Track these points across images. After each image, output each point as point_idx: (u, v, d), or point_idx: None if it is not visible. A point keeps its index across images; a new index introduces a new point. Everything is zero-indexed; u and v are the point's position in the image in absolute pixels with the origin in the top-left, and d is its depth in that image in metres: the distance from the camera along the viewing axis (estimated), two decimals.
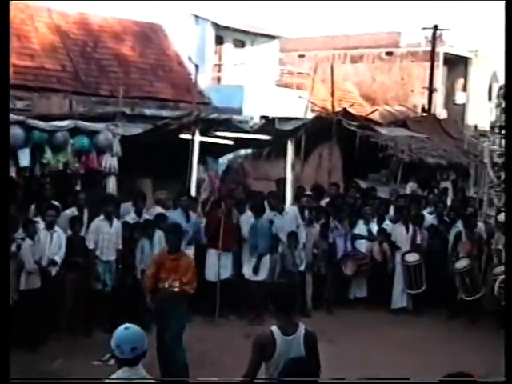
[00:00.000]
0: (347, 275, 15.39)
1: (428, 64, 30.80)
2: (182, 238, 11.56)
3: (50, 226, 12.54)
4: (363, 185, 18.59)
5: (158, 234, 13.64)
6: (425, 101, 30.43)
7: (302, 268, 14.78)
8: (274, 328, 6.60)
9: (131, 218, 13.84)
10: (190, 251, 14.03)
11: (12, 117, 13.13)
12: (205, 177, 17.39)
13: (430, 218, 16.17)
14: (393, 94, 32.31)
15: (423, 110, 29.71)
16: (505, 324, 5.64)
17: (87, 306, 12.85)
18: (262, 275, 14.37)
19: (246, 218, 14.79)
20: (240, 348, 11.04)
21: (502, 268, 14.14)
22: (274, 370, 6.57)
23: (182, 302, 10.40)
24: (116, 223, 13.18)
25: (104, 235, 13.01)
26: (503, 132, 16.07)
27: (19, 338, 11.83)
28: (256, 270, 14.39)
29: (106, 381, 5.48)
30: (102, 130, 14.19)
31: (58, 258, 12.49)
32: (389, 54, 33.88)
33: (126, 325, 5.53)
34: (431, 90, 30.31)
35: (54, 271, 12.51)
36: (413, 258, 15.32)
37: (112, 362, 11.74)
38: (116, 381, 5.41)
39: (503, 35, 6.42)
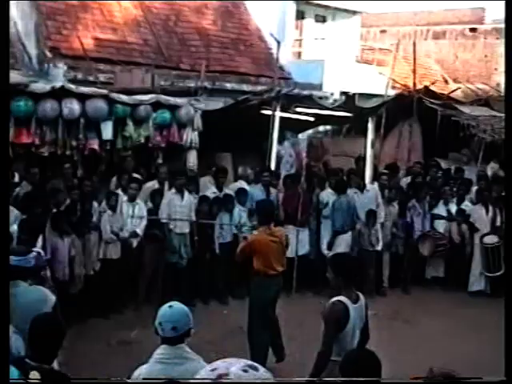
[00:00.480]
0: (424, 255, 15.28)
1: None
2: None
3: (131, 199, 12.77)
4: (443, 164, 18.36)
5: (238, 209, 13.76)
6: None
7: (378, 247, 14.74)
8: (343, 298, 6.77)
9: (211, 192, 13.96)
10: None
11: (95, 90, 13.35)
12: (286, 152, 17.43)
13: None
14: (476, 71, 31.72)
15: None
16: (505, 324, 5.54)
17: (164, 278, 13.07)
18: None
19: (326, 195, 14.80)
20: (315, 323, 11.11)
21: None
22: (351, 338, 6.74)
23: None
24: (187, 196, 13.31)
25: (176, 208, 13.15)
26: None
27: (98, 307, 12.14)
28: (330, 247, 14.41)
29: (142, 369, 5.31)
30: (184, 105, 14.30)
31: (139, 230, 12.74)
32: (472, 30, 33.24)
33: (171, 303, 5.46)
34: None
35: (135, 242, 12.76)
36: (492, 240, 15.10)
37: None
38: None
39: None
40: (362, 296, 7.03)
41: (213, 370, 2.36)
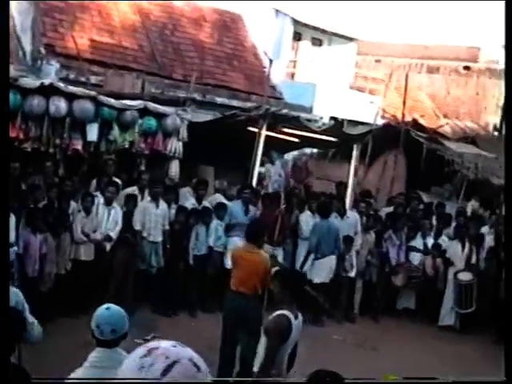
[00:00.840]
0: (397, 286, 15.31)
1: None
2: None
3: (108, 202, 12.75)
4: (425, 197, 18.44)
5: (216, 223, 13.76)
6: (498, 120, 30.05)
7: (352, 274, 14.76)
8: (286, 312, 6.89)
9: (190, 203, 13.96)
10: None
11: (84, 91, 13.35)
12: (276, 172, 17.47)
13: (488, 239, 15.97)
14: (466, 109, 31.90)
15: (495, 129, 29.32)
16: (505, 324, 5.57)
17: (134, 284, 13.05)
18: (322, 277, 14.40)
19: (306, 217, 14.84)
20: None
21: None
22: (285, 351, 6.89)
23: None
24: (163, 205, 13.29)
25: (151, 216, 13.14)
26: None
27: (68, 306, 12.10)
28: (302, 267, 14.45)
29: (84, 363, 5.24)
30: (171, 114, 14.32)
31: (113, 234, 12.71)
32: (466, 68, 33.44)
33: (108, 305, 5.35)
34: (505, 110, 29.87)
35: (108, 246, 12.74)
36: (466, 276, 15.14)
37: None
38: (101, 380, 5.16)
39: None
40: (300, 315, 7.11)
41: (144, 347, 2.37)
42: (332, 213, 14.81)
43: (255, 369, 7.00)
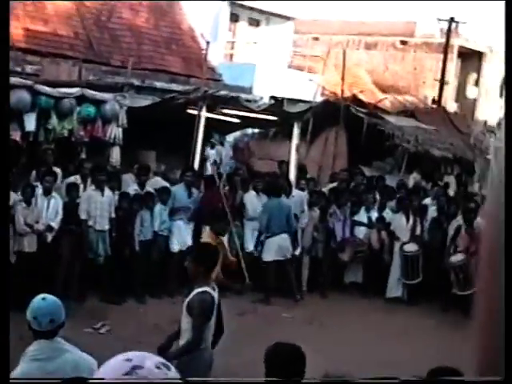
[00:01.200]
0: (344, 261, 15.43)
1: (441, 56, 30.68)
2: None
3: (47, 192, 12.55)
4: (367, 172, 18.59)
5: (159, 207, 13.71)
6: (436, 93, 30.31)
7: (297, 252, 14.84)
8: (207, 288, 6.89)
9: (133, 189, 13.87)
10: (190, 227, 14.13)
11: (20, 81, 13.18)
12: (227, 154, 17.47)
13: (431, 211, 16.17)
14: (404, 83, 32.17)
15: (433, 101, 29.62)
16: (505, 324, 5.63)
17: (81, 274, 12.93)
18: (272, 255, 14.50)
19: (250, 197, 14.86)
20: (232, 324, 11.12)
21: None
22: (212, 327, 6.99)
23: None
24: (108, 192, 13.18)
25: (96, 204, 13.01)
26: None
27: (12, 299, 11.93)
28: (256, 247, 14.55)
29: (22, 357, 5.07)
30: (109, 100, 14.21)
31: (54, 224, 12.55)
32: (403, 43, 33.72)
33: (43, 295, 5.20)
34: (443, 83, 30.19)
35: (50, 236, 12.58)
36: (412, 248, 15.33)
37: (104, 330, 11.83)
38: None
39: None
40: (215, 286, 7.16)
41: (127, 361, 2.26)
42: (282, 191, 14.88)
43: (181, 343, 7.03)
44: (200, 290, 6.88)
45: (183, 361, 6.75)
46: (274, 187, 14.83)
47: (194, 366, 6.75)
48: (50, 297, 5.22)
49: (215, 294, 6.98)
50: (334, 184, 16.85)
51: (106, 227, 13.15)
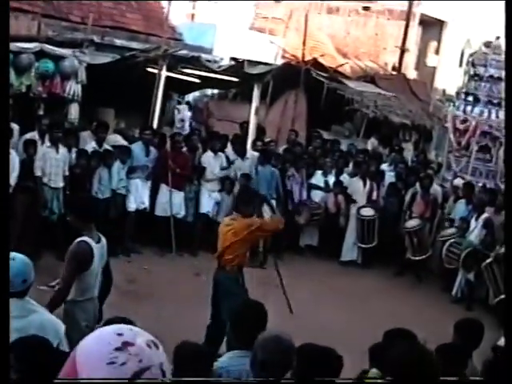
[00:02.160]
0: (300, 223, 15.49)
1: (403, 23, 30.71)
2: None
3: None
4: (326, 136, 18.66)
5: (117, 165, 13.63)
6: (396, 60, 30.38)
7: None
8: (86, 238, 6.90)
9: (91, 146, 13.75)
10: (147, 185, 14.10)
11: None
12: (186, 114, 17.40)
13: (389, 176, 16.30)
14: (365, 49, 32.08)
15: (393, 68, 29.67)
16: (505, 323, 5.77)
17: (36, 231, 12.82)
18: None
19: (207, 158, 14.83)
20: (189, 283, 11.18)
21: (450, 231, 14.42)
22: (94, 278, 6.99)
23: None
24: (63, 150, 13.04)
25: (52, 161, 12.89)
26: (468, 99, 16.22)
27: None
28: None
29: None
30: (69, 56, 14.04)
31: (11, 181, 12.40)
32: (365, 8, 33.61)
33: (12, 255, 5.02)
34: (403, 50, 30.25)
35: None
36: (368, 212, 15.46)
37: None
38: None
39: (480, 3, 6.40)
40: (103, 237, 7.16)
41: (119, 335, 2.25)
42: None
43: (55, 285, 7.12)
44: (79, 239, 6.88)
45: (68, 311, 6.88)
46: (267, 154, 14.92)
47: (77, 316, 6.84)
48: (19, 256, 5.11)
49: (95, 245, 6.92)
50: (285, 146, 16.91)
51: (61, 185, 13.03)
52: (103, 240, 7.14)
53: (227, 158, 15.02)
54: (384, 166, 16.78)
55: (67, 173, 13.09)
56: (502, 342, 6.29)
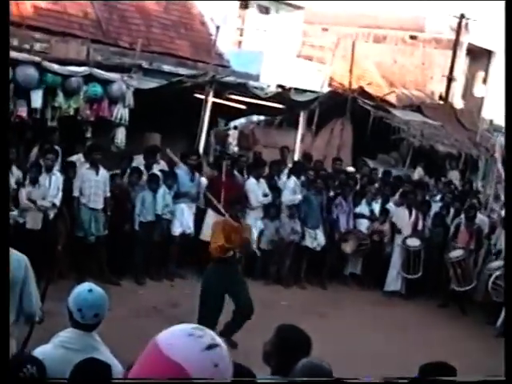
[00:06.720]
0: (346, 252, 15.35)
1: (450, 52, 30.59)
2: None
3: (48, 170, 12.49)
4: (372, 164, 18.57)
5: (163, 190, 13.65)
6: (443, 89, 30.24)
7: (297, 239, 14.81)
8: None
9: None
10: (192, 210, 14.09)
11: (27, 57, 13.13)
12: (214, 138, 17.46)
13: (435, 206, 16.16)
14: (412, 78, 32.04)
15: (440, 97, 29.55)
16: (505, 323, 5.67)
17: (73, 253, 12.79)
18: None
19: (251, 184, 14.80)
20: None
21: (498, 263, 14.19)
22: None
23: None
24: (102, 171, 13.10)
25: (91, 183, 12.94)
26: None
27: None
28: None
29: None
30: (117, 80, 14.16)
31: (56, 201, 12.48)
32: (413, 37, 33.59)
33: (89, 286, 4.94)
34: (450, 79, 30.11)
35: (52, 214, 12.51)
36: (414, 242, 15.32)
37: None
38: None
39: None
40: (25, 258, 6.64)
41: (200, 337, 2.43)
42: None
43: None
44: None
45: None
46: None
47: None
48: (96, 289, 4.95)
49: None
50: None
51: (100, 206, 13.07)
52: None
53: (272, 184, 14.99)
54: (430, 196, 16.65)
55: (108, 194, 13.14)
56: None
